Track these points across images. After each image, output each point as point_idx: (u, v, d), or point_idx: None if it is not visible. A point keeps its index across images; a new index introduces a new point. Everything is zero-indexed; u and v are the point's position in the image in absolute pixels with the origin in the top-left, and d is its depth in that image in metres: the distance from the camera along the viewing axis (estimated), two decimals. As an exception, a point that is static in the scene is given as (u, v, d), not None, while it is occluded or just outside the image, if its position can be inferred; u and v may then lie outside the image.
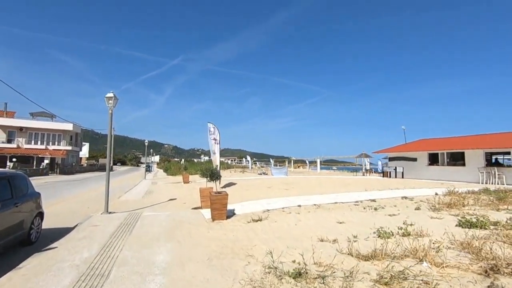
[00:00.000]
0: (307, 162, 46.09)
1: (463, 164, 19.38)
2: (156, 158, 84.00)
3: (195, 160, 71.45)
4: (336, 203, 9.63)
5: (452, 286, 3.19)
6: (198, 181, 19.52)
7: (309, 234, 5.74)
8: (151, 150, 64.70)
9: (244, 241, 5.49)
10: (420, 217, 7.09)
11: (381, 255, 4.11)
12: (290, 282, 3.45)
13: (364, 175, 29.74)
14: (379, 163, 32.50)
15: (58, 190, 18.30)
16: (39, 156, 39.49)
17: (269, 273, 3.77)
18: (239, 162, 58.50)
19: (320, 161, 38.37)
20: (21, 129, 41.08)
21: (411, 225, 6.12)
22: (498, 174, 16.96)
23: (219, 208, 7.41)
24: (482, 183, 17.07)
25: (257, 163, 53.92)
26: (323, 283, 3.37)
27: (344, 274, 3.55)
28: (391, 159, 25.12)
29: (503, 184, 16.06)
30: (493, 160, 19.84)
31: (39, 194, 6.52)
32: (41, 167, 36.80)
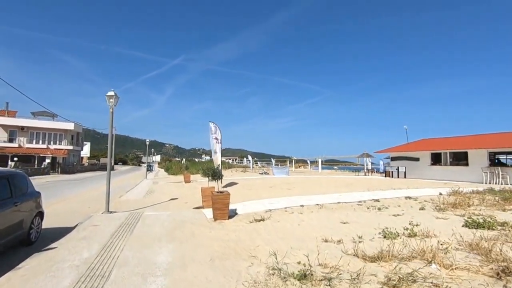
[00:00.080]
0: (308, 162, 45.96)
1: (466, 164, 19.22)
2: (157, 158, 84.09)
3: (196, 159, 71.41)
4: (339, 203, 9.52)
5: (463, 289, 3.09)
6: (199, 181, 19.44)
7: (313, 235, 5.64)
8: (152, 149, 64.71)
9: (246, 241, 5.40)
10: (425, 217, 6.99)
11: (388, 256, 4.01)
12: (295, 284, 3.36)
13: (366, 175, 29.59)
14: (381, 163, 32.36)
15: (59, 189, 18.25)
16: (41, 155, 39.48)
17: (273, 274, 3.68)
18: (240, 161, 58.41)
19: (322, 161, 38.25)
20: (22, 128, 41.11)
21: (416, 225, 6.02)
22: (502, 174, 16.80)
23: (221, 208, 7.32)
24: (486, 183, 16.91)
25: (258, 162, 53.80)
26: (329, 285, 3.27)
27: (351, 276, 3.45)
28: (393, 158, 24.98)
29: (507, 184, 15.90)
30: (496, 160, 19.69)
31: (39, 193, 6.45)
32: (42, 166, 36.79)
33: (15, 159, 35.48)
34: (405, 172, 22.88)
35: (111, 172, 10.11)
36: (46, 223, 6.97)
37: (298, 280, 3.43)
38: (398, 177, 22.81)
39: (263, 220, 7.10)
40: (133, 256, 4.65)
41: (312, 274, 3.53)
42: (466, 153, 19.40)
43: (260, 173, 30.07)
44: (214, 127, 15.45)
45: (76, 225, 7.22)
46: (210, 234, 6.05)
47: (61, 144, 43.58)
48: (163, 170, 52.13)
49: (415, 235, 5.24)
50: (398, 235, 5.25)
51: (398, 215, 7.41)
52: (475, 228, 5.66)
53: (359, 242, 4.90)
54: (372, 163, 32.85)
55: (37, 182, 21.80)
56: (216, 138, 15.42)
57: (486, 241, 4.51)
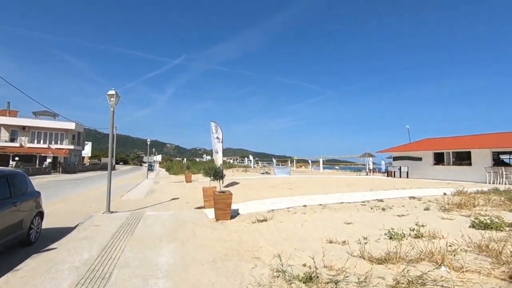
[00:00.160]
0: (309, 161, 45.82)
1: (469, 164, 19.07)
2: (158, 158, 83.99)
3: (197, 159, 71.37)
4: (342, 203, 9.41)
5: (474, 292, 2.99)
6: (201, 180, 19.36)
7: (317, 235, 5.54)
8: (153, 149, 64.71)
9: (249, 242, 5.30)
10: (431, 218, 6.87)
11: (395, 258, 3.91)
12: (300, 287, 3.26)
13: (367, 174, 29.46)
14: (383, 162, 32.21)
15: (60, 189, 18.20)
16: (42, 155, 39.46)
17: (277, 277, 3.58)
18: (241, 161, 58.26)
19: (323, 161, 38.11)
20: (24, 128, 41.12)
21: (422, 226, 5.90)
22: (506, 174, 16.65)
23: (223, 208, 7.23)
24: (489, 183, 16.77)
25: (259, 162, 53.67)
26: (336, 288, 3.17)
27: (358, 279, 3.35)
28: (395, 158, 24.83)
29: None
30: (499, 160, 19.52)
31: (39, 193, 6.36)
32: (43, 166, 36.79)
33: (17, 158, 35.45)
34: (407, 172, 22.73)
35: (112, 171, 10.03)
36: (47, 223, 6.89)
37: (303, 282, 3.33)
38: (400, 177, 22.67)
39: (265, 220, 7.00)
40: (134, 257, 4.57)
41: (317, 277, 3.43)
42: (469, 152, 19.25)
43: (261, 173, 29.96)
44: (215, 126, 15.34)
45: (77, 225, 7.14)
46: (212, 234, 5.96)
47: (62, 144, 43.58)
48: (164, 169, 52.11)
49: (422, 236, 5.13)
50: (404, 236, 5.14)
51: (403, 215, 7.29)
52: (482, 229, 5.54)
53: (365, 243, 4.79)
54: (373, 163, 32.71)
55: (38, 181, 21.79)
56: (217, 138, 15.31)
57: (496, 243, 4.40)
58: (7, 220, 4.78)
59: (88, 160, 63.29)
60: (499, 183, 16.39)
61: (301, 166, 49.06)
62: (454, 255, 4.01)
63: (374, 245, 4.74)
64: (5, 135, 40.14)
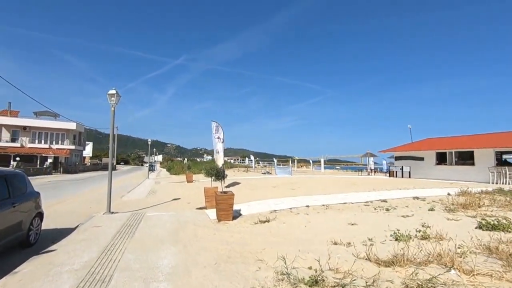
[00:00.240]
0: (310, 161, 45.68)
1: (472, 164, 18.93)
2: (159, 158, 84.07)
3: (198, 159, 71.28)
4: (345, 203, 9.31)
5: (487, 297, 2.88)
6: (202, 180, 19.28)
7: (321, 237, 5.44)
8: (154, 149, 64.65)
9: (252, 244, 5.20)
10: (436, 219, 6.76)
11: (403, 260, 3.80)
12: (306, 291, 3.16)
13: (369, 174, 29.32)
14: (384, 162, 32.04)
15: (60, 189, 18.13)
16: (43, 155, 39.45)
17: (282, 280, 3.48)
18: (242, 161, 58.15)
19: (324, 161, 37.95)
20: (24, 128, 41.12)
21: (429, 227, 5.79)
22: (510, 174, 16.50)
23: (225, 209, 7.13)
24: (493, 183, 16.63)
25: (260, 162, 53.54)
26: (343, 292, 3.07)
27: (366, 282, 3.25)
28: (397, 158, 24.70)
29: (515, 184, 15.62)
30: (503, 160, 19.37)
31: (38, 193, 6.27)
32: (44, 166, 36.77)
33: (17, 159, 35.44)
34: (409, 172, 22.60)
35: (113, 172, 9.95)
36: (47, 224, 6.82)
37: (309, 286, 3.23)
38: (402, 176, 22.54)
39: (268, 221, 6.90)
40: (134, 259, 4.47)
41: (323, 280, 3.33)
42: (472, 152, 19.10)
43: (262, 173, 29.85)
44: (216, 126, 15.24)
45: (77, 226, 7.06)
46: (214, 236, 5.86)
47: (63, 144, 43.57)
48: (165, 170, 52.03)
49: (428, 237, 5.03)
50: (411, 238, 5.03)
51: (407, 216, 7.19)
52: (489, 230, 5.43)
53: (371, 245, 4.70)
54: (374, 163, 32.56)
55: (39, 182, 21.74)
56: (218, 138, 15.21)
57: (506, 245, 4.30)
58: (5, 221, 4.68)
59: (89, 160, 63.27)
60: (503, 183, 16.25)
61: (302, 166, 48.88)
62: (463, 258, 3.91)
63: (380, 247, 4.64)
64: (6, 135, 40.14)
